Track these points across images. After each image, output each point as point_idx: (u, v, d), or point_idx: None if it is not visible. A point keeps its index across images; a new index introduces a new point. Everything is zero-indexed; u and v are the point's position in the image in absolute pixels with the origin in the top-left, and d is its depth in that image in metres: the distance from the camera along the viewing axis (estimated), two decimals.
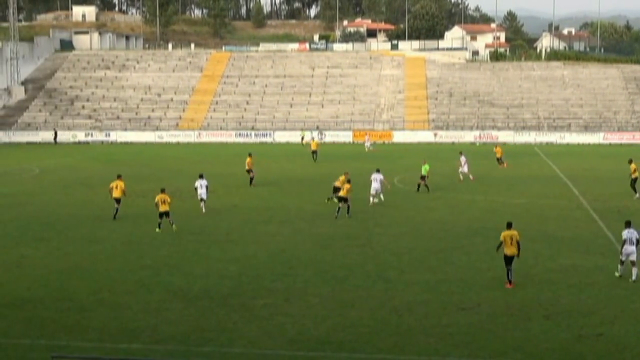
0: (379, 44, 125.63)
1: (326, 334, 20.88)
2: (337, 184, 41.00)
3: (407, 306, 23.27)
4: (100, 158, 73.27)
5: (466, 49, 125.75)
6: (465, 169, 54.32)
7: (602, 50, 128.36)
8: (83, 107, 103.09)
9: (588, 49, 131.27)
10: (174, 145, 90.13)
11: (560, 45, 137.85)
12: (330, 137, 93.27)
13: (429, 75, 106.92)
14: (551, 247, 31.66)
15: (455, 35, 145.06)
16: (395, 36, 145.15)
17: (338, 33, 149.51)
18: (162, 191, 35.69)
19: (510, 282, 25.23)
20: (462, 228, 35.81)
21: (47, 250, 31.57)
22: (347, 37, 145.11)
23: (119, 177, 39.86)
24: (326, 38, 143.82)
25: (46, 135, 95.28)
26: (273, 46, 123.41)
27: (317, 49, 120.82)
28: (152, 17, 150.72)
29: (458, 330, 21.04)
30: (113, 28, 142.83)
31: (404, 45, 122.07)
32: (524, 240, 32.68)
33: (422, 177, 48.05)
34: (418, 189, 47.62)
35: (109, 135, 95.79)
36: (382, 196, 43.46)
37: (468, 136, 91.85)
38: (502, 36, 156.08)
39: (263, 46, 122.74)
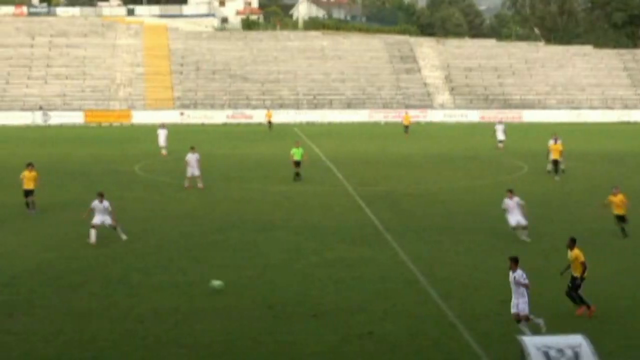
0: (112, 9, 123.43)
1: (58, 351, 20.30)
2: None
3: (154, 314, 23.12)
4: None
5: (214, 15, 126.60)
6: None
7: (365, 19, 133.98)
8: None
9: (349, 18, 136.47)
10: None
11: (319, 12, 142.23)
12: (57, 118, 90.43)
13: (172, 46, 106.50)
14: (315, 238, 32.63)
15: None
16: (131, 0, 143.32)
17: None
18: None
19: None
20: (216, 221, 36.07)
21: None
22: (73, 0, 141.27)
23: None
24: (48, 1, 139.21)
25: None
26: None
27: (37, 14, 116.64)
28: None
29: (214, 339, 21.17)
30: None
31: (142, 10, 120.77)
32: (286, 232, 33.59)
33: (297, 163, 46.89)
34: (296, 178, 46.72)
35: None
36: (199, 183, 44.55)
37: (219, 116, 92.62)
38: (255, 1, 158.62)
39: None
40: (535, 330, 20.70)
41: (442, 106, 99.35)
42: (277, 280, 26.64)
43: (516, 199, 32.00)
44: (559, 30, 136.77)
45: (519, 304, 21.04)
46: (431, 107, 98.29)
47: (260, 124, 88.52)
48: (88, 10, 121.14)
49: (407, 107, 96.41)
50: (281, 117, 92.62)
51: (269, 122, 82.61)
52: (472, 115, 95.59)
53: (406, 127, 77.34)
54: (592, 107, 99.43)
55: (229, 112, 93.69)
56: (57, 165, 54.40)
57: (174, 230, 34.40)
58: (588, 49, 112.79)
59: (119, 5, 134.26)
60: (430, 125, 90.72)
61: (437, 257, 29.66)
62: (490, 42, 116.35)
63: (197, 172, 44.52)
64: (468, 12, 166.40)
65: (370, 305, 23.98)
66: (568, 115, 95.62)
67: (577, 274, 23.15)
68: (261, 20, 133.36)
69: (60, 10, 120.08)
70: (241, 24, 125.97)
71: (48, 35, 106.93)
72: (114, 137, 75.08)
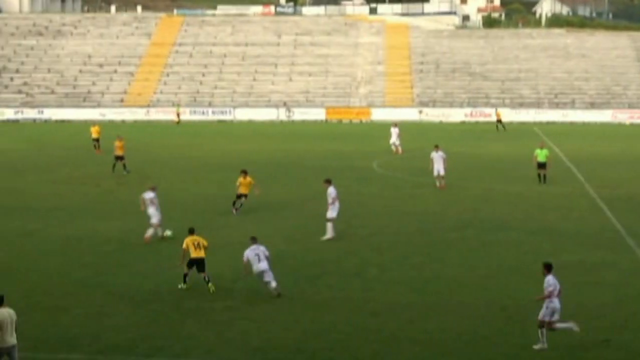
0: (356, 8, 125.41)
1: (296, 341, 20.91)
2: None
3: (389, 309, 23.36)
4: (32, 139, 72.70)
5: (455, 13, 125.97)
6: (396, 140, 60.93)
7: (611, 16, 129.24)
8: (12, 79, 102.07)
9: (595, 15, 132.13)
10: (119, 124, 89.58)
11: (562, 9, 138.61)
12: (299, 114, 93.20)
13: (413, 44, 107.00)
14: (553, 240, 31.93)
15: None
16: None
17: None
18: (191, 232, 26.80)
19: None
20: (452, 219, 36.01)
21: None
22: (318, 0, 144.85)
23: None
24: (294, 0, 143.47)
25: None
26: (233, 9, 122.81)
27: (283, 13, 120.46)
28: None
29: (447, 337, 21.17)
30: None
31: (384, 8, 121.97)
32: (522, 233, 33.05)
33: (541, 165, 45.58)
34: (540, 181, 45.60)
35: (42, 112, 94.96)
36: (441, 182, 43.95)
37: (457, 114, 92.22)
38: None
39: (221, 9, 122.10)
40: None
41: None
42: (511, 281, 26.26)
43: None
44: None
45: (543, 309, 20.60)
46: None
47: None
48: (332, 9, 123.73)
49: None
50: (521, 116, 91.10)
51: (499, 121, 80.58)
52: None
53: None
54: None
55: (468, 110, 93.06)
56: (298, 160, 56.09)
57: (409, 226, 34.61)
58: None
59: (362, 4, 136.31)
60: None
61: None
62: None
63: (442, 172, 44.13)
64: None
65: (609, 311, 23.20)
66: None
67: None
68: (503, 18, 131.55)
69: (306, 10, 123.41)
70: (482, 21, 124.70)
71: (293, 34, 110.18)
72: (353, 134, 76.42)
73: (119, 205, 39.21)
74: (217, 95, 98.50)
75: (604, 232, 33.41)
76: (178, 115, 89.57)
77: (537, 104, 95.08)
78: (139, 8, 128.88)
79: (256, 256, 24.99)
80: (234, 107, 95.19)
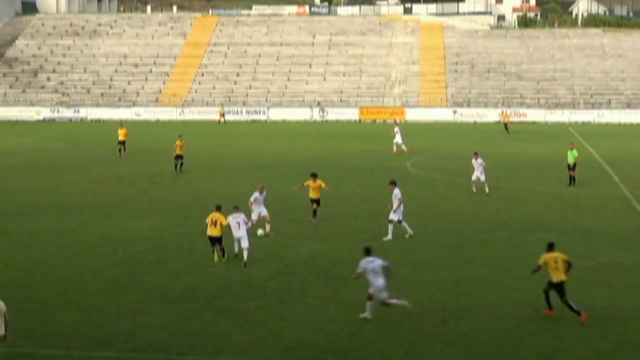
0: (390, 8, 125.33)
1: (328, 341, 20.91)
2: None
3: (421, 309, 23.28)
4: (68, 138, 73.31)
5: (490, 13, 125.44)
6: (399, 139, 61.09)
7: None
8: (48, 79, 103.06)
9: (632, 14, 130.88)
10: (153, 123, 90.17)
11: (599, 9, 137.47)
12: (333, 114, 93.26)
13: (448, 44, 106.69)
14: (588, 242, 31.69)
15: None
16: None
17: None
18: (218, 209, 28.92)
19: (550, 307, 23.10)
20: (485, 220, 35.86)
21: (7, 244, 31.61)
22: (353, 0, 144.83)
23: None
24: (329, 0, 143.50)
25: (5, 112, 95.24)
26: (268, 9, 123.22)
27: (318, 13, 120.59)
28: None
29: (480, 338, 21.07)
30: None
31: (419, 8, 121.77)
32: (556, 234, 32.81)
33: (570, 167, 45.44)
34: (570, 183, 45.38)
35: (78, 111, 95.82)
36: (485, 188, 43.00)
37: (492, 114, 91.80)
38: None
39: (256, 9, 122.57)
40: None
41: None
42: (544, 282, 26.02)
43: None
44: None
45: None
46: None
47: (534, 123, 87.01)
48: (366, 9, 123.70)
49: None
50: (556, 116, 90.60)
51: (506, 124, 78.51)
52: None
53: None
54: None
55: (502, 110, 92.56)
56: (332, 160, 56.09)
57: (443, 227, 34.50)
58: None
59: (396, 4, 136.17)
60: None
61: None
62: None
63: (482, 177, 43.58)
64: None
65: None
66: None
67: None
68: (539, 17, 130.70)
69: (341, 10, 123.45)
70: (517, 21, 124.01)
71: (328, 34, 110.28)
72: (387, 134, 76.23)
73: (153, 204, 39.43)
74: (251, 95, 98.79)
75: (639, 234, 33.10)
76: (222, 115, 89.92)
77: (573, 104, 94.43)
78: (174, 8, 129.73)
79: (237, 224, 28.11)
80: (268, 107, 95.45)
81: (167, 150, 54.42)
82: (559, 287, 22.64)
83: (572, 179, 45.37)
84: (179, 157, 50.59)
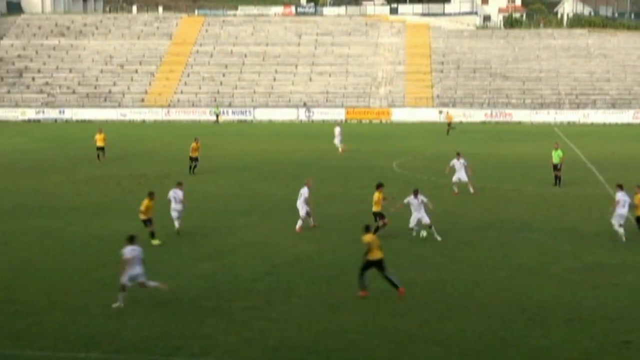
0: (376, 8, 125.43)
1: (313, 341, 20.91)
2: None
3: (406, 310, 23.31)
4: (53, 139, 73.07)
5: (476, 13, 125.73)
6: (338, 140, 61.66)
7: (633, 16, 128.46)
8: (33, 79, 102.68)
9: (616, 15, 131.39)
10: (139, 124, 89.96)
11: (584, 9, 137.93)
12: (319, 114, 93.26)
13: (434, 45, 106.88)
14: (572, 242, 31.78)
15: None
16: None
17: None
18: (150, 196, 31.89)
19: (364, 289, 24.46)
20: (472, 220, 35.92)
21: None
22: (339, 0, 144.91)
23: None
24: (315, 1, 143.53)
25: None
26: (254, 10, 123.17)
27: (304, 14, 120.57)
28: None
29: (466, 338, 21.10)
30: None
31: (405, 9, 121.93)
32: (542, 234, 32.89)
33: (556, 167, 45.50)
34: (556, 183, 45.50)
35: (63, 112, 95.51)
36: (470, 188, 43.14)
37: (478, 114, 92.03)
38: None
39: (242, 10, 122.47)
40: None
41: None
42: (531, 282, 26.15)
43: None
44: None
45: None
46: None
47: (520, 123, 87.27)
48: (352, 9, 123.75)
49: None
50: (541, 116, 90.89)
51: (449, 124, 77.18)
52: None
53: None
54: None
55: (488, 110, 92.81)
56: (318, 160, 56.09)
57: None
58: None
59: (382, 4, 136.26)
60: None
61: None
62: None
63: (464, 178, 43.76)
64: None
65: (628, 313, 23.04)
66: None
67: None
68: (524, 18, 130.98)
69: (327, 10, 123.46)
70: (503, 22, 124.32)
71: (314, 34, 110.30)
72: (373, 134, 76.33)
73: (139, 204, 39.28)
74: (237, 95, 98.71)
75: (627, 233, 33.18)
76: (217, 115, 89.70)
77: (558, 105, 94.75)
78: (160, 8, 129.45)
79: (174, 199, 33.26)
80: (254, 107, 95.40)
81: (120, 157, 54.36)
82: (379, 264, 24.47)
83: (557, 179, 45.53)
84: (194, 159, 50.06)
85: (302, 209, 33.99)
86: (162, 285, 23.98)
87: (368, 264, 24.43)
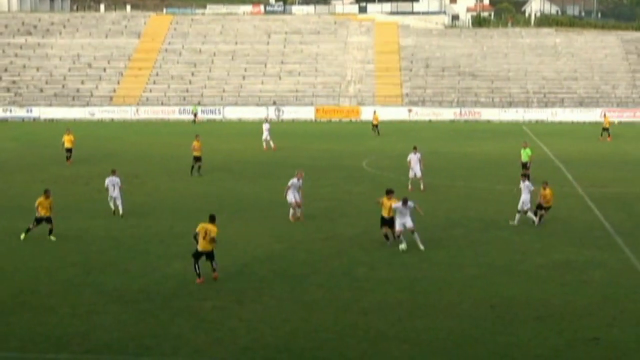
0: (345, 7, 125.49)
1: (285, 340, 20.92)
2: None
3: (377, 308, 23.39)
4: (21, 138, 72.48)
5: (445, 12, 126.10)
6: (267, 136, 62.11)
7: (600, 15, 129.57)
8: (0, 78, 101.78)
9: (583, 14, 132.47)
10: (108, 123, 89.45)
11: (552, 9, 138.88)
12: (289, 113, 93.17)
13: (403, 43, 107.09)
14: (541, 239, 32.00)
15: None
16: None
17: None
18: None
19: (199, 275, 25.92)
20: (440, 219, 36.06)
21: None
22: None
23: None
24: (284, 0, 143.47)
25: None
26: (222, 8, 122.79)
27: (273, 12, 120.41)
28: None
29: (436, 336, 21.20)
30: None
31: (374, 8, 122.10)
32: (510, 232, 33.08)
33: (525, 165, 45.57)
34: (525, 179, 45.88)
35: (31, 111, 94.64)
36: (421, 185, 43.68)
37: (447, 113, 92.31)
38: None
39: (210, 8, 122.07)
40: None
41: None
42: (500, 280, 26.33)
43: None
44: None
45: None
46: None
47: (489, 122, 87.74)
48: (321, 8, 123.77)
49: None
50: (510, 115, 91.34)
51: (376, 126, 74.48)
52: None
53: (605, 129, 71.63)
54: None
55: (457, 109, 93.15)
56: (287, 159, 56.02)
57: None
58: None
59: (351, 3, 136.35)
60: None
61: None
62: None
63: (418, 174, 44.19)
64: None
65: (597, 310, 23.26)
66: None
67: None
68: (492, 17, 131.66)
69: (295, 9, 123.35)
70: (471, 21, 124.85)
71: (283, 33, 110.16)
72: (343, 133, 76.40)
73: (108, 204, 39.09)
74: (206, 94, 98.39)
75: (592, 231, 33.52)
76: (195, 115, 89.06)
77: (526, 103, 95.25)
78: (128, 7, 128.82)
79: (112, 186, 36.00)
80: (223, 106, 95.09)
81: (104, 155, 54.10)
82: (209, 255, 26.08)
83: (525, 177, 45.69)
84: (197, 159, 48.91)
85: (291, 198, 35.29)
86: None
87: None
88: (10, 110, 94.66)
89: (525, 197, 34.89)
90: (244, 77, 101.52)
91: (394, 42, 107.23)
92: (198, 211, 37.47)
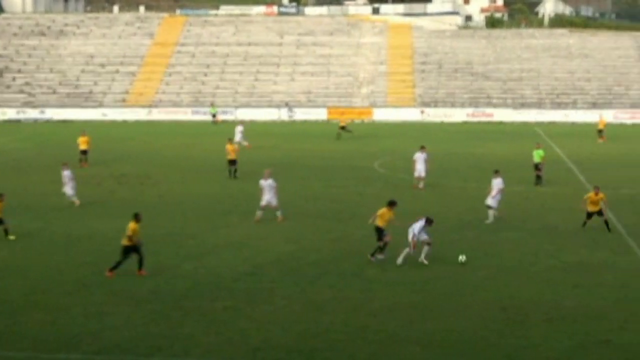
0: (358, 8, 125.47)
1: (295, 341, 20.93)
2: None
3: (388, 309, 23.37)
4: (34, 139, 72.73)
5: (458, 13, 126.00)
6: (241, 140, 61.86)
7: (614, 16, 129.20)
8: (14, 79, 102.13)
9: (598, 15, 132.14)
10: (120, 124, 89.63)
11: (566, 9, 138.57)
12: (301, 114, 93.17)
13: (416, 44, 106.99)
14: (553, 241, 31.93)
15: None
16: None
17: None
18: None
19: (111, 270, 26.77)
20: (452, 220, 36.01)
21: None
22: (321, 0, 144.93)
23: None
24: (297, 0, 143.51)
25: None
26: (235, 9, 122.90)
27: (286, 13, 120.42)
28: None
29: (447, 337, 21.18)
30: None
31: (387, 9, 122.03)
32: (523, 233, 32.99)
33: (537, 166, 45.90)
34: (537, 183, 45.87)
35: (44, 112, 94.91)
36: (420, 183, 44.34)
37: (459, 114, 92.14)
38: None
39: (224, 9, 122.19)
40: None
41: None
42: (511, 282, 26.28)
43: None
44: None
45: None
46: None
47: (501, 123, 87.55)
48: (335, 9, 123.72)
49: None
50: (523, 116, 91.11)
51: (342, 128, 71.43)
52: None
53: (600, 131, 71.21)
54: None
55: (470, 110, 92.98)
56: (300, 160, 56.08)
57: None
58: None
59: (364, 4, 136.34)
60: None
61: None
62: None
63: (423, 173, 44.26)
64: None
65: (609, 312, 23.19)
66: None
67: None
68: (506, 18, 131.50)
69: (309, 10, 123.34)
70: (485, 22, 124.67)
71: (296, 34, 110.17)
72: (355, 134, 76.35)
73: (120, 205, 39.20)
74: (219, 95, 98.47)
75: (605, 233, 33.38)
76: (214, 115, 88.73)
77: (539, 104, 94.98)
78: (141, 8, 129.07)
79: (69, 180, 39.03)
80: (236, 107, 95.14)
81: (99, 162, 54.15)
82: (132, 250, 26.75)
83: (538, 178, 45.72)
84: (232, 162, 48.51)
85: (263, 201, 35.10)
86: None
87: None
88: (24, 112, 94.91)
89: (494, 193, 35.76)
90: (256, 78, 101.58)
91: (407, 43, 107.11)
92: (209, 212, 37.60)
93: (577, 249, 30.68)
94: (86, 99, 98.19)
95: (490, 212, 35.58)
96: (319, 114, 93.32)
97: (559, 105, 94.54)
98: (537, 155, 45.99)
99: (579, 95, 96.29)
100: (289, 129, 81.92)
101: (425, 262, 28.46)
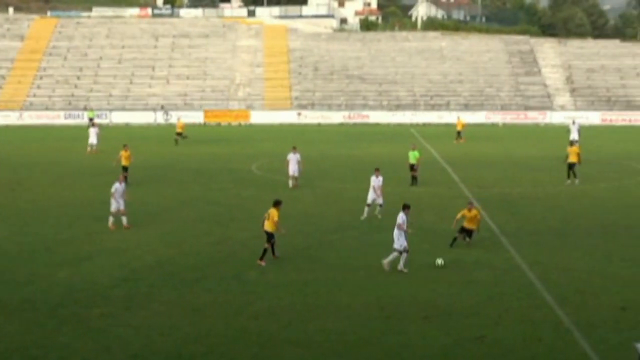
0: (234, 10, 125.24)
1: (175, 346, 20.75)
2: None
3: (268, 312, 23.40)
4: None
5: (333, 16, 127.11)
6: (94, 140, 62.31)
7: (484, 19, 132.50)
8: None
9: (469, 18, 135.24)
10: None
11: (438, 13, 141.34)
12: (177, 118, 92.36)
13: (292, 47, 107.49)
14: (429, 241, 32.47)
15: (320, 0, 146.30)
16: (252, 1, 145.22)
17: None
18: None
19: None
20: (331, 221, 36.29)
21: None
22: (196, 1, 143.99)
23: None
24: (172, 2, 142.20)
25: None
26: (108, 11, 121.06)
27: (161, 15, 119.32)
28: None
29: (327, 338, 21.32)
30: None
31: (262, 11, 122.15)
32: None
33: (412, 167, 46.44)
34: (413, 183, 46.42)
35: None
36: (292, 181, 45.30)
37: (336, 116, 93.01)
38: (374, 2, 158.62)
39: (96, 11, 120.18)
40: None
41: (563, 108, 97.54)
42: (390, 281, 26.64)
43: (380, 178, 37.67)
44: None
45: None
46: (551, 108, 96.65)
47: (377, 124, 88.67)
48: (210, 11, 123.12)
49: (527, 108, 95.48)
50: (398, 118, 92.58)
51: (179, 134, 69.87)
52: (594, 118, 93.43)
53: (459, 132, 73.18)
54: None
55: (346, 112, 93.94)
56: (176, 163, 55.63)
57: (290, 228, 34.60)
58: None
59: (240, 6, 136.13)
60: (549, 127, 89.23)
61: (554, 261, 29.15)
62: (614, 43, 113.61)
63: (296, 173, 45.13)
64: (591, 12, 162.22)
65: (483, 309, 23.76)
66: None
67: None
68: (380, 21, 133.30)
69: (183, 12, 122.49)
70: (360, 24, 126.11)
71: (171, 36, 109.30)
72: (233, 137, 76.23)
73: None
74: (92, 98, 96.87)
75: (479, 232, 34.11)
76: (91, 119, 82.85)
77: (414, 106, 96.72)
78: (10, 9, 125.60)
79: None
80: (110, 111, 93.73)
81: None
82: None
83: (414, 178, 46.50)
84: (125, 169, 45.98)
85: (114, 206, 34.61)
86: None
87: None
88: None
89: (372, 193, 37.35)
90: (131, 81, 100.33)
91: (283, 46, 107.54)
92: (84, 218, 36.91)
93: (451, 248, 31.24)
94: None
95: (367, 210, 36.93)
96: (196, 117, 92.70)
97: (432, 107, 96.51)
98: (413, 157, 46.79)
99: (452, 97, 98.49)
100: (165, 132, 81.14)
101: (405, 270, 27.83)
